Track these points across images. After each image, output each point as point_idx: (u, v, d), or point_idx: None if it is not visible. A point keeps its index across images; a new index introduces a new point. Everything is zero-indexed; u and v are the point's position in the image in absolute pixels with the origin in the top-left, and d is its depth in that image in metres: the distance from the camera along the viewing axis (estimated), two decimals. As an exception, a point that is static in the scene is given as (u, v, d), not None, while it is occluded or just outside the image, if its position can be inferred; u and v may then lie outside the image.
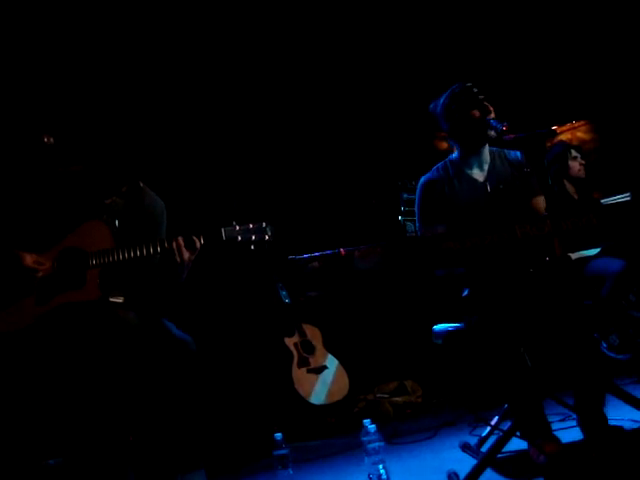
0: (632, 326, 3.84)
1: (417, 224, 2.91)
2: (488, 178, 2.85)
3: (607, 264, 2.66)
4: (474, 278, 2.79)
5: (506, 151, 2.92)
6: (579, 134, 5.58)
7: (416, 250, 2.01)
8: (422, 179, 2.93)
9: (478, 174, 2.88)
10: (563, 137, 5.35)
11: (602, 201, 3.62)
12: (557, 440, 2.47)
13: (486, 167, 2.88)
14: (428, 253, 2.01)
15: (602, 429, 2.52)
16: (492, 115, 2.74)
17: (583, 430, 2.64)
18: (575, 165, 4.29)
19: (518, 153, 2.80)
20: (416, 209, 2.91)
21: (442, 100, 2.88)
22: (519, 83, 5.25)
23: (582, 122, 5.58)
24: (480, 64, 5.07)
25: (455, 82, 2.90)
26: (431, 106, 2.93)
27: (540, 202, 2.80)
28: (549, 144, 4.58)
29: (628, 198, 3.34)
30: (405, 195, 4.92)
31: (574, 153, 4.33)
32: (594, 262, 2.73)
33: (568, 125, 5.55)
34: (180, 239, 2.41)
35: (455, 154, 2.93)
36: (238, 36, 4.81)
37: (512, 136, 2.75)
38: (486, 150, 2.89)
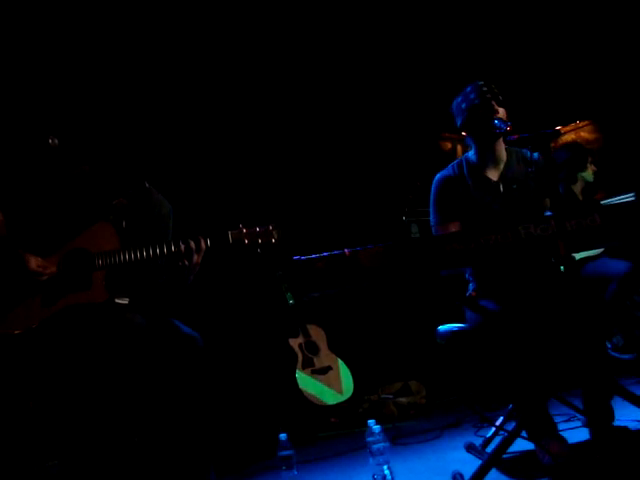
0: (637, 327, 3.84)
1: (431, 220, 2.87)
2: (502, 178, 2.81)
3: (611, 265, 2.65)
4: (479, 278, 2.79)
5: (525, 151, 2.85)
6: (583, 134, 5.56)
7: (421, 251, 2.01)
8: (437, 176, 2.90)
9: (492, 173, 2.84)
10: (567, 137, 5.34)
11: (607, 201, 3.63)
12: (563, 440, 2.46)
13: (501, 166, 2.84)
14: (433, 254, 2.01)
15: (609, 430, 2.52)
16: (499, 115, 2.71)
17: (590, 431, 2.64)
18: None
19: (536, 154, 2.76)
20: (431, 205, 2.88)
21: (457, 98, 2.85)
22: (523, 83, 5.25)
23: (586, 122, 5.57)
24: (484, 64, 5.07)
25: (458, 82, 2.88)
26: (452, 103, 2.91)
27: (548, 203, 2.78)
28: (553, 144, 4.58)
29: (632, 198, 3.34)
30: (410, 195, 4.91)
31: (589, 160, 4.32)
32: (598, 262, 2.72)
33: (572, 125, 5.54)
34: (187, 242, 2.41)
35: (471, 152, 2.89)
36: (242, 38, 4.82)
37: (516, 136, 2.76)
38: (502, 149, 2.84)
